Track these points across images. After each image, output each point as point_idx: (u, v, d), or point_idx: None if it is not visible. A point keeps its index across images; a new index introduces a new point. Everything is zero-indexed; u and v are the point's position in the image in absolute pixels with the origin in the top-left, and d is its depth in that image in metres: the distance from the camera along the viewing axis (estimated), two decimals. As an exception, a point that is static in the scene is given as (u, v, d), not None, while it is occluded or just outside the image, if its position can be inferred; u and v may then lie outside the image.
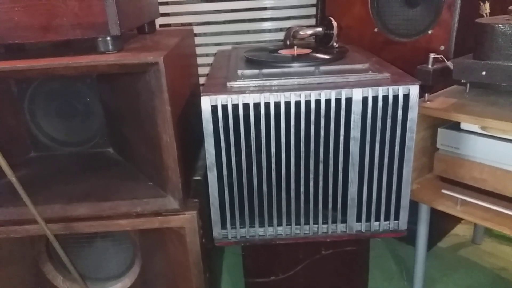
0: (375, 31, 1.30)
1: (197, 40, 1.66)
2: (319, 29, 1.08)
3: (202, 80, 1.60)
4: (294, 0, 1.65)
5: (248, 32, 1.72)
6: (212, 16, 1.69)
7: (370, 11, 1.29)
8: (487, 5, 1.13)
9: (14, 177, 0.80)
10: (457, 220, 1.51)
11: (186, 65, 1.11)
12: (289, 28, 1.09)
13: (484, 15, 1.12)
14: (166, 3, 1.67)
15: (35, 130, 1.07)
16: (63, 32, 0.80)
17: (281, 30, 1.70)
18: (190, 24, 1.69)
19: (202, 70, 1.61)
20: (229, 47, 1.33)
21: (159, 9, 1.24)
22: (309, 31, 1.08)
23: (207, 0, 1.66)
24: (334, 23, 1.04)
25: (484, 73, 0.89)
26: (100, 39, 0.82)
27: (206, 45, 1.72)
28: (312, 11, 1.65)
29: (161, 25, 1.67)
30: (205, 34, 1.74)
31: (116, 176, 0.98)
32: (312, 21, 1.65)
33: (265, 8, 1.68)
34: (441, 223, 1.42)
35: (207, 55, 1.72)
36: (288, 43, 1.08)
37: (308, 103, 0.82)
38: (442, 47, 1.15)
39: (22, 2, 0.78)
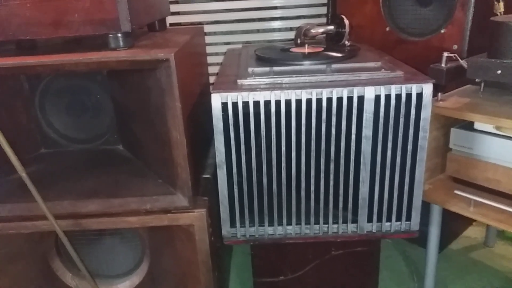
0: (387, 30, 1.28)
1: (207, 39, 1.65)
2: (331, 27, 1.07)
3: (212, 79, 1.60)
4: (305, -1, 1.64)
5: (258, 31, 1.72)
6: (222, 15, 1.68)
7: (381, 10, 1.28)
8: (501, 4, 1.12)
9: (25, 172, 0.80)
10: (469, 222, 1.49)
11: (196, 63, 1.11)
12: (300, 26, 1.08)
13: (498, 14, 1.10)
14: (177, 2, 1.67)
15: (45, 127, 1.08)
16: (74, 28, 0.81)
17: (291, 29, 1.69)
18: (200, 23, 1.69)
19: (212, 69, 1.61)
20: (239, 46, 1.32)
21: (169, 7, 1.24)
22: (321, 29, 1.07)
23: (218, -1, 1.66)
24: (346, 21, 1.03)
25: (499, 72, 0.87)
26: (111, 35, 0.82)
27: (216, 44, 1.72)
28: (323, 10, 1.64)
29: (171, 24, 1.67)
30: (215, 33, 1.73)
31: (125, 173, 0.98)
32: (323, 21, 1.64)
33: (275, 7, 1.67)
34: (453, 225, 1.40)
35: (216, 54, 1.72)
36: (299, 41, 1.08)
37: (319, 101, 0.81)
38: (455, 47, 1.13)
39: (33, -3, 0.78)
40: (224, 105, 0.81)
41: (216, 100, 0.81)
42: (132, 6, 0.80)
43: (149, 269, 1.05)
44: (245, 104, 0.81)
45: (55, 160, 1.06)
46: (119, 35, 0.81)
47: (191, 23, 1.71)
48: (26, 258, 1.00)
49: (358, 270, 1.05)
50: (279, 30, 1.70)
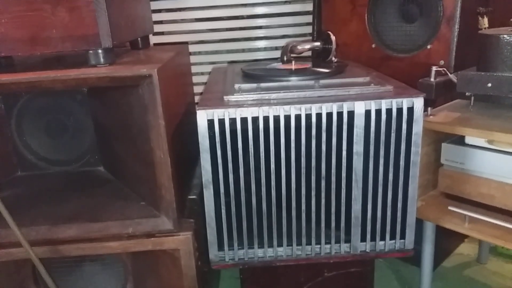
0: (373, 47, 1.28)
1: (192, 59, 1.63)
2: (318, 43, 1.06)
3: (197, 99, 1.57)
4: (289, 19, 1.65)
5: (243, 50, 1.71)
6: (207, 35, 1.67)
7: (367, 27, 1.28)
8: (486, 19, 1.12)
9: (-2, 197, 0.75)
10: (461, 239, 1.47)
11: (181, 81, 1.08)
12: (286, 43, 1.06)
13: (483, 29, 1.11)
14: (161, 22, 1.65)
15: (22, 149, 1.03)
16: (52, 44, 0.77)
17: (276, 48, 1.69)
18: (185, 43, 1.68)
19: (197, 89, 1.58)
20: (224, 65, 1.30)
21: (153, 24, 1.21)
22: (307, 46, 1.05)
23: (202, 19, 1.65)
24: (333, 37, 1.02)
25: (489, 85, 0.86)
26: (91, 51, 0.79)
27: (201, 63, 1.70)
28: (307, 29, 1.64)
29: (155, 44, 1.64)
30: (199, 53, 1.72)
31: (106, 195, 0.94)
32: (307, 40, 1.63)
33: (260, 27, 1.67)
34: (445, 242, 1.37)
35: (202, 73, 1.70)
36: (285, 58, 1.06)
37: (308, 116, 0.78)
38: (442, 62, 1.13)
39: (9, 13, 0.75)
40: (210, 122, 0.78)
41: (202, 117, 0.78)
42: (113, 22, 0.78)
43: (132, 297, 0.99)
44: (232, 121, 0.78)
45: (32, 183, 1.01)
46: (100, 51, 0.79)
47: (176, 43, 1.69)
48: (0, 289, 0.94)
49: (352, 293, 1.01)
50: (264, 49, 1.69)
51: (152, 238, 0.86)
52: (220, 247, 0.86)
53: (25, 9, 0.75)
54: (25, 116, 1.01)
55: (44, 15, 0.75)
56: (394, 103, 0.79)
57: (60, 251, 0.86)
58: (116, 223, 0.85)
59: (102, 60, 0.79)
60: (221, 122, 0.78)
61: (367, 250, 0.87)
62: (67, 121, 1.03)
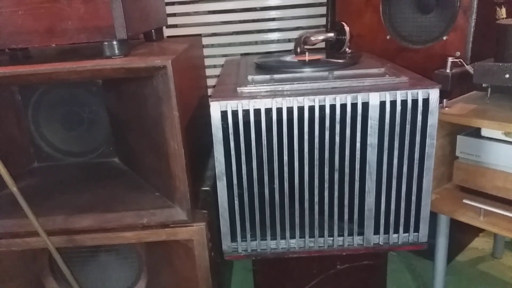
0: (388, 39, 1.26)
1: (205, 51, 1.63)
2: (331, 34, 1.05)
3: (210, 92, 1.57)
4: (302, 10, 1.63)
5: (256, 43, 1.70)
6: (220, 28, 1.67)
7: (382, 19, 1.26)
8: (503, 9, 1.10)
9: (15, 187, 0.77)
10: (475, 233, 1.46)
11: (194, 73, 1.09)
12: (299, 34, 1.06)
13: (501, 19, 1.09)
14: (174, 15, 1.65)
15: (38, 140, 1.05)
16: (68, 36, 0.78)
17: (289, 40, 1.68)
18: (198, 36, 1.68)
19: (210, 82, 1.58)
20: (237, 58, 1.30)
21: (166, 16, 1.22)
22: (321, 37, 1.05)
23: (215, 12, 1.65)
24: (347, 28, 1.01)
25: (507, 76, 0.84)
26: (106, 43, 0.79)
27: (214, 56, 1.70)
28: (320, 21, 1.63)
29: (168, 37, 1.65)
30: (212, 46, 1.72)
31: (121, 186, 0.95)
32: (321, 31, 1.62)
33: (273, 19, 1.66)
34: (459, 236, 1.36)
35: (214, 66, 1.70)
36: (298, 49, 1.05)
37: (322, 108, 0.78)
38: (458, 53, 1.11)
39: (26, 5, 0.76)
40: (224, 114, 0.78)
41: (215, 108, 0.78)
42: (127, 13, 0.78)
43: (146, 287, 1.00)
44: (246, 112, 0.78)
45: (49, 174, 1.03)
46: (114, 42, 0.79)
47: (189, 36, 1.69)
48: (18, 277, 0.96)
49: (365, 285, 1.01)
50: (278, 41, 1.69)
51: (166, 229, 0.87)
52: (233, 238, 0.86)
53: (41, 1, 0.76)
54: (42, 108, 1.02)
55: (59, 7, 0.76)
56: (409, 95, 0.78)
57: (76, 241, 0.87)
58: (131, 213, 0.86)
59: (117, 51, 0.80)
60: (235, 113, 0.78)
61: (380, 243, 0.87)
62: (82, 113, 1.04)
